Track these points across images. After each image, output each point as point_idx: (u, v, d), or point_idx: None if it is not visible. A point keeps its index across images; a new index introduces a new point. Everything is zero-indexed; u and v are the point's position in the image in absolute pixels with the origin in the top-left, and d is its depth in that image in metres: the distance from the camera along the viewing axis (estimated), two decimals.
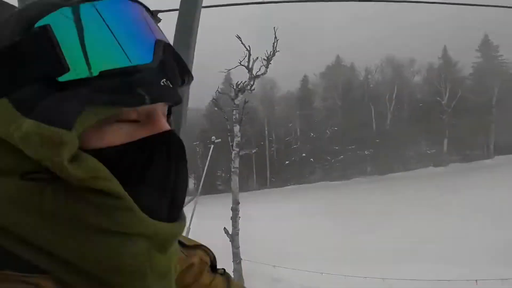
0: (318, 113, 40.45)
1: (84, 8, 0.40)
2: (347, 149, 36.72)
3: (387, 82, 37.26)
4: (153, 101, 0.42)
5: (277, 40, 14.06)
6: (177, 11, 1.35)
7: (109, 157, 0.41)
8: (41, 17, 0.40)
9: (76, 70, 0.38)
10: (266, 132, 39.21)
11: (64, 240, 0.39)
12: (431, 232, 15.92)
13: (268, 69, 13.77)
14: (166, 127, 0.45)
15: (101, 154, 0.40)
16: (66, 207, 0.39)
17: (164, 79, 0.44)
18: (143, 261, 0.42)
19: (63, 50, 0.38)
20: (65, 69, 0.38)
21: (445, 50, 37.77)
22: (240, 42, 13.25)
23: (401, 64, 38.03)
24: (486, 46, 37.82)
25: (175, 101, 0.47)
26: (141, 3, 0.45)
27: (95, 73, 0.39)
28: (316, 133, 38.79)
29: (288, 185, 37.55)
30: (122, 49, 0.40)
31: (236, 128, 13.15)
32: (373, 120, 35.43)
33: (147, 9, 0.47)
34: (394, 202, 23.52)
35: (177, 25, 1.47)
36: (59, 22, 0.40)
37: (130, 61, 0.40)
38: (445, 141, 35.81)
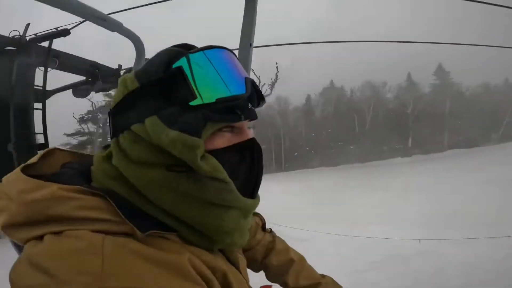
0: (317, 120, 42.62)
1: (200, 55, 0.46)
2: (338, 145, 38.77)
3: (366, 98, 39.07)
4: (245, 118, 0.49)
5: (277, 72, 16.66)
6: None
7: (217, 155, 0.46)
8: (176, 60, 0.46)
9: (202, 98, 0.44)
10: (282, 133, 41.80)
11: (190, 210, 0.46)
12: (394, 202, 16.09)
13: (277, 90, 16.35)
14: (251, 135, 0.52)
15: (212, 153, 0.46)
16: (194, 189, 0.45)
17: (250, 104, 0.50)
18: (234, 224, 0.49)
19: (192, 84, 0.44)
20: (194, 97, 0.44)
21: (409, 75, 39.21)
22: (253, 73, 15.78)
23: (376, 85, 39.77)
24: (440, 71, 38.65)
25: (256, 118, 0.53)
26: (230, 50, 0.51)
27: (213, 100, 0.44)
28: (316, 134, 41.03)
29: (296, 170, 39.21)
30: (226, 84, 0.46)
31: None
32: (356, 125, 37.72)
33: (233, 53, 0.52)
34: (370, 181, 24.61)
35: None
36: (188, 64, 0.45)
37: (230, 92, 0.45)
38: (410, 139, 37.01)
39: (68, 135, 22.00)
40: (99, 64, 3.75)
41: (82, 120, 21.33)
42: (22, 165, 0.47)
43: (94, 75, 3.63)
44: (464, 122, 36.79)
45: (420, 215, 12.59)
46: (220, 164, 0.45)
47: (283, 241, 0.87)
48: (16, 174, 0.45)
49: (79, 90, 4.03)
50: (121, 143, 0.47)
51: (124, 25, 1.33)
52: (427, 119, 36.64)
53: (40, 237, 0.39)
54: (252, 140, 0.51)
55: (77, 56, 3.64)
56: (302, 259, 0.84)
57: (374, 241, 8.65)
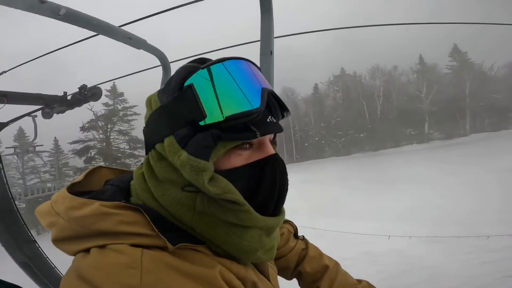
0: (326, 109, 41.49)
1: (212, 69, 0.46)
2: (347, 133, 37.60)
3: (376, 84, 37.72)
4: (262, 134, 0.47)
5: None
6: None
7: (234, 175, 0.46)
8: (188, 78, 0.46)
9: (210, 117, 0.44)
10: (291, 124, 41.25)
11: (208, 228, 0.47)
12: (385, 195, 14.92)
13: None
14: (272, 151, 0.50)
15: (228, 173, 0.46)
16: (209, 209, 0.46)
17: (270, 116, 0.49)
18: (256, 243, 0.49)
19: (202, 102, 0.44)
20: (203, 116, 0.44)
21: (421, 58, 36.98)
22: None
23: (387, 69, 38.03)
24: (456, 53, 36.04)
25: (278, 131, 0.51)
26: (247, 60, 0.50)
27: (222, 118, 0.43)
28: (325, 123, 40.02)
29: (307, 160, 39.02)
30: (237, 100, 0.44)
31: None
32: (366, 112, 36.46)
33: (251, 62, 0.50)
34: (382, 169, 23.75)
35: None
36: (199, 81, 0.45)
37: (242, 107, 0.44)
38: (426, 125, 35.00)
39: (71, 143, 23.55)
40: (43, 94, 4.02)
41: (83, 129, 22.60)
42: (69, 183, 0.52)
43: (40, 104, 3.91)
44: (487, 104, 34.16)
45: (409, 211, 11.71)
46: (231, 184, 0.45)
47: (316, 248, 0.87)
48: (63, 193, 0.48)
49: (44, 114, 4.30)
50: (150, 161, 0.49)
51: (148, 41, 1.41)
52: (445, 103, 34.43)
53: (87, 250, 0.43)
54: (274, 156, 0.50)
55: (23, 92, 3.93)
56: (336, 265, 0.83)
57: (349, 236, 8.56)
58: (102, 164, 0.64)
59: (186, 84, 0.46)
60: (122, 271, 0.38)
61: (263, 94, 0.46)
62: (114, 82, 22.26)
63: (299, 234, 0.88)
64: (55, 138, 25.08)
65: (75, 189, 0.50)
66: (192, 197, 0.46)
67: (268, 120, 0.48)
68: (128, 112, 23.62)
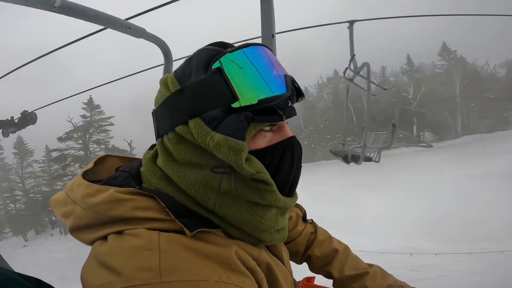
0: (318, 112, 41.44)
1: (238, 54, 0.46)
2: (335, 137, 36.54)
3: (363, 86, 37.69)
4: (287, 117, 0.49)
5: None
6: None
7: (260, 155, 0.47)
8: (215, 60, 0.46)
9: (243, 99, 0.44)
10: None
11: (230, 209, 0.47)
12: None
13: None
14: (290, 134, 0.51)
15: (255, 154, 0.47)
16: (236, 189, 0.46)
17: (290, 102, 0.50)
18: (272, 222, 0.50)
19: (233, 85, 0.44)
20: (235, 98, 0.44)
21: (408, 57, 36.10)
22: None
23: (373, 70, 37.95)
24: (445, 51, 34.89)
25: (295, 115, 0.52)
26: (266, 46, 0.50)
27: (255, 101, 0.44)
28: (314, 127, 40.07)
29: None
30: (267, 84, 0.45)
31: None
32: (353, 114, 35.54)
33: (270, 49, 0.51)
34: (371, 172, 24.28)
35: None
36: (227, 65, 0.45)
37: (272, 91, 0.45)
38: (414, 127, 33.98)
39: (49, 151, 25.61)
40: None
41: (60, 139, 24.66)
42: (82, 170, 0.54)
43: None
44: (479, 104, 32.80)
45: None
46: (262, 165, 0.46)
47: (325, 232, 0.87)
48: (78, 180, 0.50)
49: (3, 133, 5.00)
50: (166, 144, 0.49)
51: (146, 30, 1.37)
52: (434, 104, 33.45)
53: (104, 237, 0.44)
54: (292, 139, 0.51)
55: None
56: (346, 248, 0.83)
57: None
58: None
59: (213, 67, 0.46)
60: (140, 253, 0.39)
61: (287, 80, 0.48)
62: (90, 95, 24.13)
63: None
64: (46, 146, 27.52)
65: (88, 177, 0.52)
66: (218, 178, 0.46)
67: (288, 104, 0.50)
68: (104, 123, 25.37)
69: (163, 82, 0.50)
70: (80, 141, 24.25)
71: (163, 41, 1.48)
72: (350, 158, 5.18)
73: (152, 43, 1.46)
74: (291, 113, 0.50)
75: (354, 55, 4.73)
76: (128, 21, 1.32)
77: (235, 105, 0.44)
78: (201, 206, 0.48)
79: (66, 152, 24.38)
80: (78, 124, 24.28)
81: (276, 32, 1.18)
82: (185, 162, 0.47)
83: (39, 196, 28.99)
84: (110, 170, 0.57)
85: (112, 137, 25.01)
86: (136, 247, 0.39)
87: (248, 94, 0.44)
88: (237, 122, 0.44)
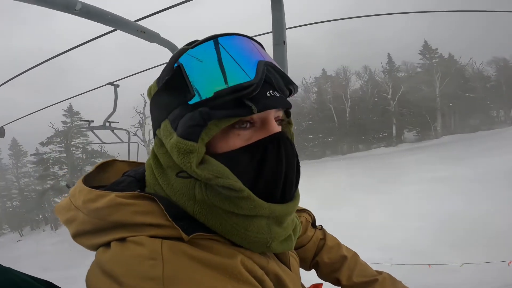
0: (303, 111, 41.18)
1: (200, 47, 0.44)
2: (317, 137, 37.88)
3: (343, 86, 36.79)
4: (260, 110, 0.42)
5: None
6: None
7: (232, 157, 0.42)
8: (178, 59, 0.45)
9: (198, 95, 0.41)
10: None
11: (211, 219, 0.44)
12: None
13: None
14: (276, 129, 0.46)
15: (226, 156, 0.43)
16: (208, 198, 0.43)
17: (270, 91, 0.44)
18: (264, 233, 0.45)
19: (190, 80, 0.42)
20: (192, 95, 0.41)
21: (389, 57, 35.84)
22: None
23: (356, 71, 37.20)
24: (427, 49, 34.48)
25: (284, 106, 0.46)
26: (244, 35, 0.46)
27: (211, 95, 0.40)
28: (298, 127, 39.66)
29: None
30: (226, 74, 0.40)
31: None
32: (334, 115, 36.07)
33: (254, 39, 0.48)
34: (350, 172, 24.05)
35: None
36: (187, 61, 0.43)
37: (234, 81, 0.40)
38: (393, 127, 33.95)
39: (31, 155, 28.02)
40: None
41: (42, 144, 26.85)
42: (83, 176, 0.52)
43: None
44: (460, 104, 32.63)
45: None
46: (226, 168, 0.42)
47: (334, 238, 0.85)
48: (79, 186, 0.49)
49: None
50: (154, 149, 0.49)
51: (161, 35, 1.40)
52: (413, 104, 33.51)
53: (108, 244, 0.43)
54: (278, 135, 0.45)
55: None
56: (355, 255, 0.80)
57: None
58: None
59: (175, 65, 0.44)
60: (143, 263, 0.38)
61: (259, 67, 0.42)
62: (70, 103, 26.46)
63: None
64: (36, 148, 30.08)
65: (90, 183, 0.51)
66: (191, 185, 0.44)
67: (268, 94, 0.44)
68: (82, 129, 27.55)
69: (149, 90, 0.49)
70: (62, 145, 26.62)
71: (176, 46, 1.51)
72: None
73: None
74: (271, 104, 0.44)
75: None
76: (139, 23, 1.35)
77: (193, 101, 0.41)
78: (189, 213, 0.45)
79: (48, 155, 26.81)
80: (59, 129, 26.52)
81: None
82: (167, 166, 0.46)
83: (33, 194, 31.76)
84: (119, 175, 0.56)
85: (92, 141, 27.40)
86: (139, 256, 0.39)
87: (204, 88, 0.41)
88: (189, 120, 0.42)
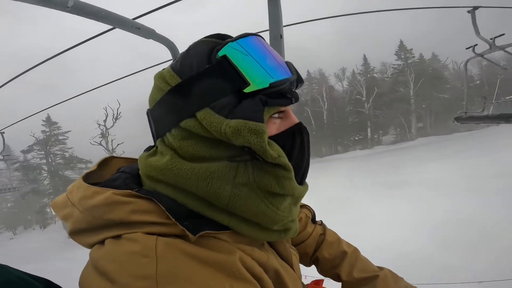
0: None
1: (241, 42, 0.46)
2: None
3: (320, 89, 37.19)
4: (296, 101, 0.49)
5: None
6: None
7: (278, 141, 0.46)
8: (217, 51, 0.45)
9: (255, 84, 0.44)
10: None
11: (246, 201, 0.44)
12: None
13: None
14: (296, 120, 0.50)
15: (274, 140, 0.45)
16: (253, 178, 0.44)
17: (295, 87, 0.51)
18: (287, 212, 0.48)
19: (242, 71, 0.44)
20: (247, 83, 0.43)
21: (365, 58, 35.91)
22: None
23: (334, 72, 37.63)
24: (402, 50, 34.16)
25: (299, 100, 0.51)
26: (261, 36, 0.49)
27: (266, 85, 0.44)
28: None
29: None
30: (273, 69, 0.45)
31: None
32: (311, 117, 36.10)
33: (263, 38, 0.50)
34: (328, 173, 23.82)
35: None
36: (231, 53, 0.44)
37: (279, 76, 0.45)
38: (368, 129, 34.22)
39: (14, 162, 30.66)
40: None
41: (24, 152, 29.59)
42: (84, 173, 0.51)
43: None
44: (436, 105, 32.54)
45: None
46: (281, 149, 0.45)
47: (334, 233, 0.85)
48: (78, 182, 0.49)
49: None
50: (169, 142, 0.47)
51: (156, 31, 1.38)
52: (387, 105, 33.75)
53: (102, 242, 0.42)
54: (300, 125, 0.51)
55: None
56: (355, 250, 0.81)
57: None
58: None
59: (219, 55, 0.45)
60: (136, 260, 0.37)
61: (290, 66, 0.49)
62: (48, 113, 29.09)
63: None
64: (17, 156, 33.06)
65: (90, 180, 0.50)
66: (233, 168, 0.44)
67: (292, 89, 0.50)
68: (60, 137, 30.10)
69: (160, 78, 0.47)
70: (42, 152, 29.37)
71: (172, 42, 1.49)
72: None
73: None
74: (297, 98, 0.50)
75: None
76: (137, 21, 1.34)
77: (248, 90, 0.43)
78: (207, 204, 0.46)
79: (30, 161, 29.68)
80: (39, 138, 29.06)
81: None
82: (194, 157, 0.45)
83: (26, 196, 35.00)
84: (114, 172, 0.56)
85: (71, 147, 30.03)
86: (132, 253, 0.38)
87: (258, 79, 0.44)
88: (254, 105, 0.44)
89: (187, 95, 0.45)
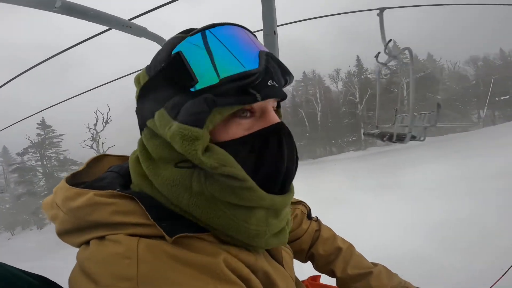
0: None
1: (201, 35, 0.43)
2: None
3: (313, 90, 37.21)
4: (263, 98, 0.43)
5: None
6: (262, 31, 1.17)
7: (234, 147, 0.42)
8: (175, 47, 0.43)
9: (203, 81, 0.40)
10: None
11: (207, 212, 0.43)
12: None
13: None
14: (276, 119, 0.46)
15: (228, 145, 0.42)
16: (206, 188, 0.42)
17: (271, 80, 0.44)
18: (262, 225, 0.45)
19: (192, 67, 0.41)
20: (194, 81, 0.40)
21: (358, 59, 35.83)
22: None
23: (328, 73, 37.39)
24: (396, 51, 34.56)
25: (282, 97, 0.46)
26: (241, 26, 0.46)
27: (216, 81, 0.40)
28: None
29: None
30: (236, 59, 0.41)
31: None
32: (305, 119, 36.39)
33: (248, 30, 0.47)
34: (319, 175, 23.55)
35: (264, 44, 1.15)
36: (187, 48, 0.42)
37: (238, 68, 0.40)
38: (362, 130, 33.35)
39: (11, 164, 31.46)
40: None
41: (19, 154, 30.26)
42: (69, 174, 0.51)
43: None
44: (426, 106, 32.37)
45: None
46: (231, 157, 0.41)
47: (329, 229, 0.85)
48: (61, 183, 0.48)
49: None
50: (143, 140, 0.47)
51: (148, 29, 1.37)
52: (381, 106, 33.63)
53: (88, 242, 0.42)
54: (279, 125, 0.46)
55: None
56: (350, 247, 0.81)
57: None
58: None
59: (173, 52, 0.43)
60: (118, 261, 0.37)
61: (261, 56, 0.43)
62: (42, 117, 29.74)
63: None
64: (21, 156, 34.02)
65: (76, 180, 0.50)
66: (188, 175, 0.43)
67: (269, 84, 0.44)
68: (55, 140, 30.71)
69: (137, 79, 0.48)
70: (38, 155, 30.06)
71: (165, 39, 1.45)
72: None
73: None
74: (271, 93, 0.44)
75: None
76: (132, 21, 1.31)
77: (194, 88, 0.41)
78: (180, 208, 0.44)
79: (26, 164, 30.40)
80: (35, 141, 29.61)
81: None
82: (158, 158, 0.45)
83: (23, 198, 35.81)
84: (104, 171, 0.55)
85: (65, 150, 30.72)
86: (115, 255, 0.38)
87: (208, 75, 0.40)
88: (193, 107, 0.41)
89: (151, 94, 0.45)
